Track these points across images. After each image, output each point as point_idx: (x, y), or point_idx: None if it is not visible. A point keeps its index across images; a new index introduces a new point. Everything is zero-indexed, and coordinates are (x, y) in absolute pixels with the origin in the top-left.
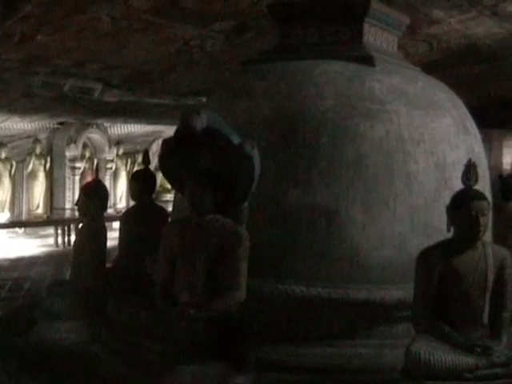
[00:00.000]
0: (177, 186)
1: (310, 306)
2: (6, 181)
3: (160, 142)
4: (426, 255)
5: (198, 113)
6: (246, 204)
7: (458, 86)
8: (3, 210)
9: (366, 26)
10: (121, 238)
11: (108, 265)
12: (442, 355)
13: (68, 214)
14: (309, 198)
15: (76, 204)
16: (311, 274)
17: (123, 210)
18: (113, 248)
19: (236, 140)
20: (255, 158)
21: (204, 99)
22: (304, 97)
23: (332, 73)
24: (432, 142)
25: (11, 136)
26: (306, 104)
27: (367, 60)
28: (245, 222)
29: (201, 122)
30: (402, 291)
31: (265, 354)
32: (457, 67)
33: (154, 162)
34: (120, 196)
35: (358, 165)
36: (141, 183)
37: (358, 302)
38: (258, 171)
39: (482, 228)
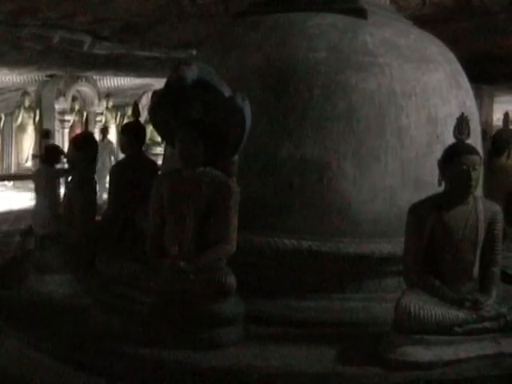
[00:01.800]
0: (167, 138)
1: (301, 259)
2: None
3: (150, 94)
4: (416, 209)
5: (188, 64)
6: (237, 157)
7: (449, 41)
8: None
9: None
10: (110, 191)
11: (98, 217)
12: (432, 309)
13: (58, 167)
14: (300, 151)
15: (65, 156)
16: (302, 227)
17: (112, 163)
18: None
19: (227, 92)
20: (246, 110)
21: (195, 52)
22: (296, 49)
23: (324, 25)
24: (424, 96)
25: (0, 89)
26: (298, 56)
27: (360, 12)
28: (235, 175)
29: (191, 73)
30: (393, 245)
31: (254, 307)
32: (449, 22)
33: (143, 115)
34: None
35: (349, 118)
36: (131, 136)
37: (349, 255)
38: (248, 123)
39: (473, 182)
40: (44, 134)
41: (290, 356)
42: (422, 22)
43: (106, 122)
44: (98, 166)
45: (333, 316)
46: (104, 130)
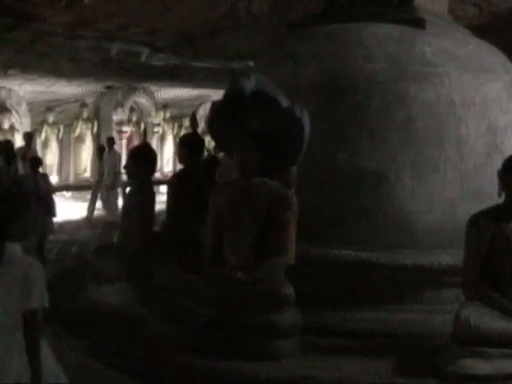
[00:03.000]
0: (225, 149)
1: (358, 270)
2: (54, 145)
3: (207, 105)
4: (476, 221)
5: (247, 76)
6: (295, 168)
7: (504, 50)
8: (51, 174)
9: None
10: (168, 202)
11: (155, 228)
12: (492, 322)
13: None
14: (358, 162)
15: (125, 167)
16: (360, 238)
17: (170, 174)
18: (160, 212)
19: (285, 103)
20: (304, 121)
21: (250, 63)
22: (352, 59)
23: (381, 35)
24: (483, 106)
25: (59, 100)
26: (355, 67)
27: (418, 22)
28: (294, 186)
29: (250, 84)
30: (451, 256)
31: (311, 318)
32: (505, 31)
33: (201, 126)
34: (167, 160)
35: (407, 128)
36: (189, 147)
37: (407, 266)
38: (307, 134)
39: None
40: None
41: (346, 367)
42: (477, 31)
43: (163, 133)
44: None
45: (390, 328)
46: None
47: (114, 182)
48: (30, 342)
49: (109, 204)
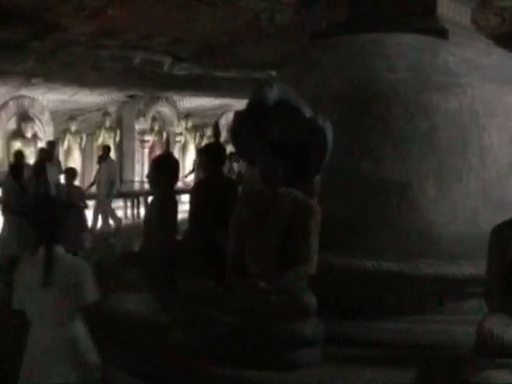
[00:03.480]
0: (248, 158)
1: (381, 280)
2: (77, 153)
3: (229, 115)
4: (499, 231)
5: (270, 85)
6: (318, 177)
7: None
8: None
9: None
10: (191, 211)
11: (178, 237)
12: None
13: (137, 186)
14: (381, 172)
15: (147, 176)
16: (382, 248)
17: (192, 183)
18: (182, 221)
19: (308, 113)
20: (328, 131)
21: (273, 72)
22: (375, 69)
23: (404, 45)
24: (506, 116)
25: (81, 109)
26: (378, 77)
27: (441, 32)
28: (317, 196)
29: (273, 94)
30: (474, 266)
31: (334, 328)
32: None
33: (223, 135)
34: (189, 169)
35: (430, 138)
36: (211, 156)
37: (429, 276)
38: (330, 144)
39: None
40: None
41: (369, 378)
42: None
43: (185, 142)
44: None
45: (413, 338)
46: (184, 149)
47: (109, 192)
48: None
49: (104, 215)
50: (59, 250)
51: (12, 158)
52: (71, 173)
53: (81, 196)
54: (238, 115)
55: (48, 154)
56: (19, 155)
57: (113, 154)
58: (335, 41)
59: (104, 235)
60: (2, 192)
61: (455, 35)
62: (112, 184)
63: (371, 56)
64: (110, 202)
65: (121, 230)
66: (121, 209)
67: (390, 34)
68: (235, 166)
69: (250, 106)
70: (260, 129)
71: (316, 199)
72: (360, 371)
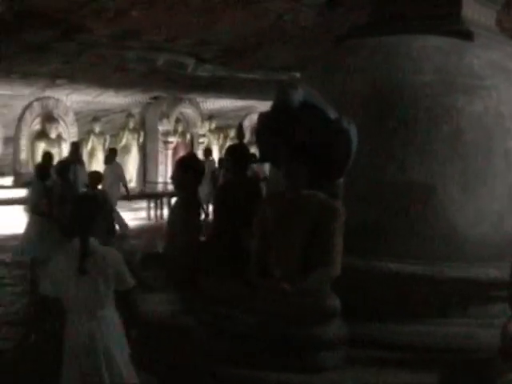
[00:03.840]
0: (272, 160)
1: (405, 283)
2: (100, 155)
3: (252, 116)
4: None
5: (294, 87)
6: (342, 179)
7: None
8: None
9: (463, 0)
10: (215, 212)
11: (201, 239)
12: None
13: (160, 187)
14: (405, 175)
15: (171, 178)
16: (406, 251)
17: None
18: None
19: (332, 115)
20: (352, 133)
21: (296, 74)
22: (400, 72)
23: (429, 47)
24: None
25: (105, 110)
26: (403, 79)
27: (466, 35)
28: (341, 198)
29: (297, 96)
30: (499, 270)
31: (357, 331)
32: None
33: (246, 137)
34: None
35: (455, 141)
36: (235, 157)
37: (453, 279)
38: (354, 146)
39: None
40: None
41: (391, 380)
42: None
43: (209, 143)
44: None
45: (436, 341)
46: (207, 151)
47: (115, 195)
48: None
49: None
50: (93, 241)
51: (37, 159)
52: (96, 176)
53: (107, 202)
54: (263, 117)
55: (74, 156)
56: (46, 156)
57: (136, 155)
58: (359, 43)
59: (122, 236)
60: (29, 193)
61: (480, 37)
62: (117, 187)
63: (396, 58)
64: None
65: (128, 235)
66: (144, 210)
67: (414, 36)
68: (254, 166)
69: (274, 108)
70: (284, 130)
71: (340, 201)
72: (383, 374)
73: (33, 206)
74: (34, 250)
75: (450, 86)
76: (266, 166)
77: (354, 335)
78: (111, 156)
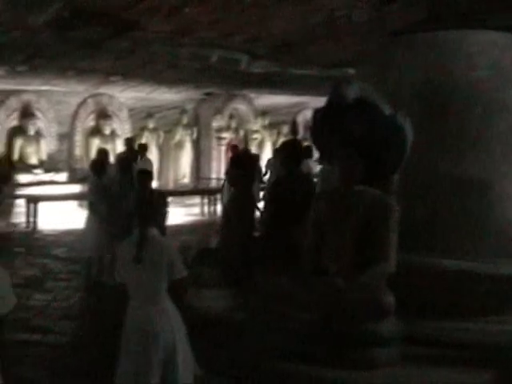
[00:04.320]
0: (326, 156)
1: (459, 280)
2: (154, 150)
3: (305, 112)
4: None
5: (349, 83)
6: (397, 176)
7: None
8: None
9: None
10: (268, 208)
11: (255, 234)
12: None
13: (214, 183)
14: (460, 170)
15: (226, 174)
16: (461, 248)
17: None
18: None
19: (387, 111)
20: (407, 129)
21: (350, 70)
22: (455, 67)
23: (484, 43)
24: None
25: (159, 106)
26: (457, 75)
27: None
28: (395, 194)
29: (352, 92)
30: None
31: (411, 327)
32: None
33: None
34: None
35: (510, 136)
36: (288, 153)
37: (509, 276)
38: (409, 143)
39: None
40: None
41: (446, 378)
42: None
43: (262, 139)
44: None
45: (491, 338)
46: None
47: None
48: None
49: None
50: (153, 231)
51: (91, 155)
52: (146, 178)
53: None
54: (317, 113)
55: (132, 152)
56: (102, 153)
57: (190, 151)
58: (414, 39)
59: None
60: (87, 190)
61: None
62: None
63: (452, 54)
64: None
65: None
66: (197, 206)
67: (470, 32)
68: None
69: (328, 104)
70: (338, 126)
71: (394, 197)
72: (437, 371)
73: (90, 205)
74: (91, 249)
75: (505, 81)
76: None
77: (409, 332)
78: (142, 152)
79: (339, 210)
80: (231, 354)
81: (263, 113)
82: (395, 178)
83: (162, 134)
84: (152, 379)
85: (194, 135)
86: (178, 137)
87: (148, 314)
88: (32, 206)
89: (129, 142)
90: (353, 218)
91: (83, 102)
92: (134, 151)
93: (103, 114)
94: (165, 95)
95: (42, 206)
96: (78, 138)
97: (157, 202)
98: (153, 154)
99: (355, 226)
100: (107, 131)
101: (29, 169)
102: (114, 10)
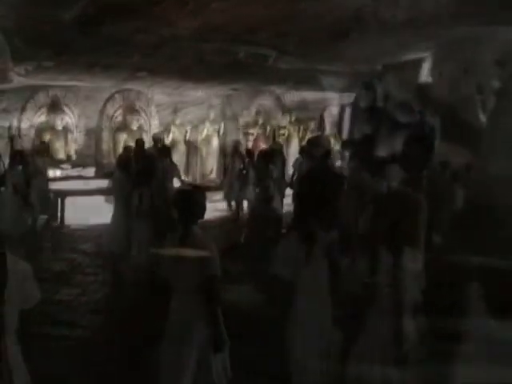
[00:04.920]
0: (356, 153)
1: (490, 277)
2: (181, 146)
3: (331, 109)
4: None
5: (378, 79)
6: (424, 172)
7: None
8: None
9: None
10: (296, 203)
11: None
12: None
13: None
14: (491, 170)
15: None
16: (493, 246)
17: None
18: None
19: (417, 108)
20: (436, 126)
21: (377, 66)
22: None
23: None
24: None
25: (185, 102)
26: None
27: None
28: (423, 191)
29: (381, 89)
30: None
31: (442, 324)
32: None
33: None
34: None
35: None
36: (315, 149)
37: None
38: (436, 141)
39: None
40: None
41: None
42: None
43: (288, 135)
44: None
45: None
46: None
47: None
48: (210, 305)
49: None
50: (195, 228)
51: (118, 150)
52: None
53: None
54: (345, 110)
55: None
56: (127, 148)
57: (217, 147)
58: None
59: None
60: (112, 184)
61: None
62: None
63: None
64: None
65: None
66: (224, 201)
67: None
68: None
69: (356, 101)
70: (368, 123)
71: (422, 194)
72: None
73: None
74: (119, 246)
75: None
76: None
77: (439, 329)
78: (163, 155)
79: (378, 211)
80: (262, 349)
81: (290, 109)
82: (423, 175)
83: (189, 129)
84: (184, 379)
85: (221, 131)
86: (205, 132)
87: (188, 306)
88: (59, 200)
89: (156, 137)
90: (387, 219)
91: (111, 98)
92: (159, 149)
93: (131, 110)
94: (191, 91)
95: (69, 200)
96: (106, 134)
97: (197, 199)
98: (180, 150)
99: (385, 222)
100: (135, 127)
101: (56, 164)
102: (142, 6)
